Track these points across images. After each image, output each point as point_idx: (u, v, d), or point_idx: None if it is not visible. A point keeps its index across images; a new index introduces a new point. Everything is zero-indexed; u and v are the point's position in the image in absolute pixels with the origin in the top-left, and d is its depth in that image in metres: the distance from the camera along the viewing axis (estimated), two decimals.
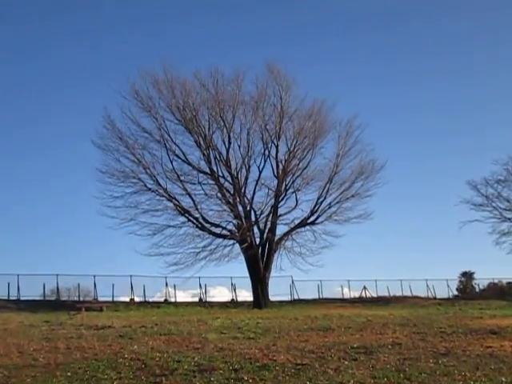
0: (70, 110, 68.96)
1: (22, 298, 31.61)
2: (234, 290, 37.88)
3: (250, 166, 33.83)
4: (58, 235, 63.12)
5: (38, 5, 75.67)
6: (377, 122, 64.45)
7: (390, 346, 12.24)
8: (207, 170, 33.30)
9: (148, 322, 18.64)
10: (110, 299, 33.39)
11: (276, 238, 33.74)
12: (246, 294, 37.06)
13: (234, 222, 32.87)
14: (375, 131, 56.62)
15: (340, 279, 42.05)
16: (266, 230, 33.64)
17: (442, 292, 44.15)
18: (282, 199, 34.24)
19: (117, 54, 72.40)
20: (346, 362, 10.21)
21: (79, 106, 66.58)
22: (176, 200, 32.49)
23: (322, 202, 34.57)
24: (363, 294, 41.91)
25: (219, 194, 32.99)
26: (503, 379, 8.74)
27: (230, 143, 33.26)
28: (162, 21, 75.39)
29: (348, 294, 42.09)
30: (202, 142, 33.01)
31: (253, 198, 33.68)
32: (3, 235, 51.27)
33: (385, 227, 60.24)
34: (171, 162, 32.59)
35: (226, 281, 37.84)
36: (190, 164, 33.09)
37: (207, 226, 32.79)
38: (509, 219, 42.37)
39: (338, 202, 34.74)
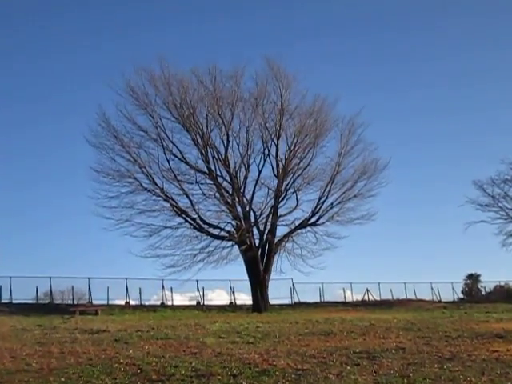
0: (63, 108, 69.14)
1: (14, 301, 31.61)
2: (233, 293, 37.92)
3: (249, 165, 33.85)
4: (51, 237, 63.30)
5: (35, 3, 75.82)
6: (379, 122, 64.70)
7: (393, 351, 12.25)
8: (205, 170, 33.29)
9: (144, 326, 18.64)
10: (105, 302, 33.33)
11: (276, 240, 33.74)
12: (245, 298, 37.14)
13: (233, 222, 32.85)
14: (378, 132, 57.00)
15: (342, 282, 42.17)
16: (266, 231, 33.64)
17: (447, 295, 44.36)
18: (283, 199, 34.24)
19: (112, 50, 72.65)
20: (348, 367, 10.22)
21: (73, 103, 66.73)
22: (173, 200, 32.50)
23: (323, 203, 34.59)
24: (366, 297, 41.95)
25: (217, 194, 32.98)
26: None
27: (228, 141, 33.27)
28: (159, 16, 75.84)
29: (350, 297, 42.20)
30: (199, 141, 33.00)
31: (252, 198, 33.69)
32: None
33: (388, 228, 60.52)
34: (168, 161, 32.62)
35: (224, 283, 37.93)
36: (187, 163, 33.07)
37: (205, 227, 32.77)
38: None
39: (340, 203, 34.76)
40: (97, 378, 9.44)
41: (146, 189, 32.17)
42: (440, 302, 40.87)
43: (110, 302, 33.56)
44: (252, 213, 33.62)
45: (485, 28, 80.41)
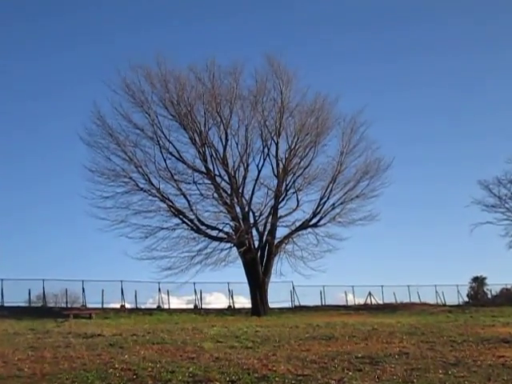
0: (56, 105, 69.16)
1: (5, 305, 31.61)
2: (232, 296, 37.96)
3: (248, 165, 33.91)
4: (43, 238, 63.25)
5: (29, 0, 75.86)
6: (382, 121, 64.86)
7: (396, 356, 12.25)
8: (203, 169, 33.32)
9: (140, 330, 18.64)
10: (100, 306, 33.34)
11: (276, 241, 33.77)
12: (243, 301, 37.21)
13: (232, 223, 32.88)
14: (380, 131, 57.15)
15: (344, 285, 42.26)
16: (266, 233, 33.69)
17: (452, 298, 44.41)
18: (283, 200, 34.28)
19: (107, 46, 72.63)
20: (350, 373, 10.22)
21: (67, 101, 66.76)
22: (170, 200, 32.51)
23: (324, 203, 34.66)
24: (368, 301, 42.01)
25: (215, 195, 33.02)
26: None
27: (227, 140, 33.30)
28: (156, 12, 75.80)
29: (352, 300, 42.28)
30: (197, 139, 33.02)
31: (251, 198, 33.73)
32: None
33: (391, 230, 60.46)
34: (164, 160, 32.67)
35: (222, 286, 37.94)
36: (184, 162, 33.11)
37: (203, 228, 32.81)
38: None
39: (341, 203, 34.80)
40: (91, 383, 9.44)
41: (142, 189, 32.21)
42: (445, 305, 40.91)
43: (105, 306, 33.59)
44: (251, 214, 33.68)
45: (493, 26, 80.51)
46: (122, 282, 34.75)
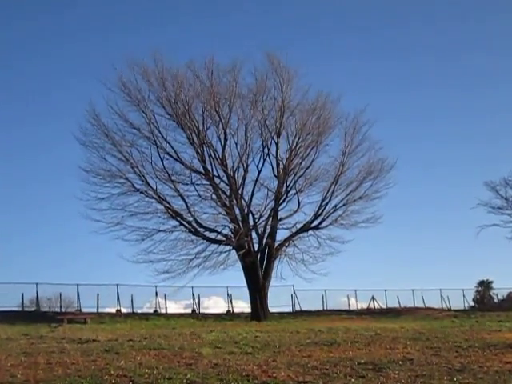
0: (51, 104, 69.22)
1: None
2: (231, 300, 37.98)
3: (247, 165, 33.90)
4: (37, 241, 63.26)
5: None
6: (385, 120, 64.90)
7: (400, 362, 12.27)
8: (201, 170, 33.30)
9: (136, 336, 18.64)
10: (95, 310, 33.36)
11: (276, 244, 33.75)
12: (243, 305, 37.20)
13: (231, 226, 32.87)
14: (384, 130, 57.21)
15: (346, 289, 42.26)
16: (266, 235, 33.65)
17: (458, 303, 44.43)
18: (283, 201, 34.27)
19: (103, 43, 72.68)
20: (353, 380, 10.23)
21: (62, 99, 66.79)
22: (167, 202, 32.51)
23: (326, 205, 34.61)
24: (371, 305, 42.02)
25: (214, 196, 33.00)
26: None
27: (225, 140, 33.28)
28: (154, 9, 75.79)
29: (355, 305, 42.30)
30: (195, 139, 33.01)
31: (251, 199, 33.72)
32: None
33: (395, 232, 60.51)
34: (162, 161, 32.66)
35: (221, 290, 37.95)
36: (182, 163, 33.09)
37: (201, 230, 32.79)
38: None
39: (344, 205, 34.78)
40: None
41: (138, 190, 32.20)
42: (450, 310, 40.92)
43: (100, 310, 33.61)
44: (251, 215, 33.65)
45: (498, 26, 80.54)
46: (117, 285, 34.84)
